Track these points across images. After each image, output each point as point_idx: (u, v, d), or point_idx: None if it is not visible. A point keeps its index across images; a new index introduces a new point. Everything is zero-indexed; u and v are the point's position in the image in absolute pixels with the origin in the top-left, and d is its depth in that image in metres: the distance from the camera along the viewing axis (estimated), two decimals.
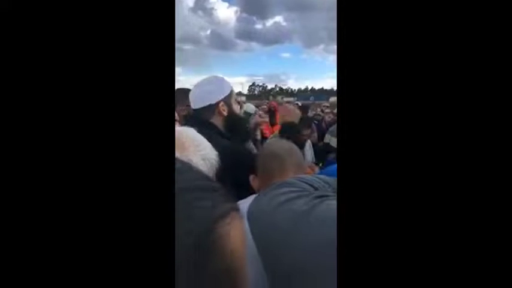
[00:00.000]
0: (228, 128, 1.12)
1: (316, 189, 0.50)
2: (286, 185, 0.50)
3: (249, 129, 1.45)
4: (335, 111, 4.59)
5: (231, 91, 1.16)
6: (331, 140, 3.37)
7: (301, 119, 3.43)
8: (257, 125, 1.79)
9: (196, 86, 1.18)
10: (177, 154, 0.60)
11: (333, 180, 0.57)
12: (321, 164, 1.70)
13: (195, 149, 0.62)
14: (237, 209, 0.24)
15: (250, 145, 1.34)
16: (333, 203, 0.42)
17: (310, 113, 4.72)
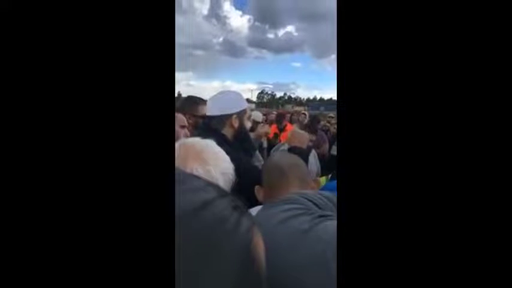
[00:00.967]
0: (236, 140, 1.19)
1: (318, 207, 0.50)
2: (289, 202, 0.50)
3: (255, 139, 1.52)
4: None
5: (246, 108, 1.26)
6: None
7: (308, 126, 3.42)
8: (264, 134, 1.84)
9: (215, 96, 1.28)
10: (198, 166, 0.61)
11: (336, 198, 0.57)
12: (330, 176, 1.68)
13: (215, 162, 0.64)
14: (255, 224, 0.25)
15: (257, 154, 1.38)
16: (330, 224, 0.42)
17: (320, 124, 4.70)
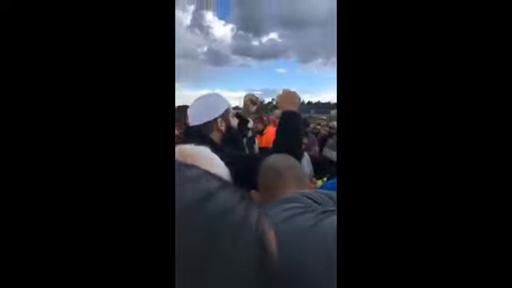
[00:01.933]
0: (226, 143, 1.16)
1: (319, 204, 0.50)
2: (291, 200, 0.50)
3: (246, 143, 1.50)
4: (331, 124, 4.61)
5: (228, 107, 1.21)
6: (330, 154, 3.38)
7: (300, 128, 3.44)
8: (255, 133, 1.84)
9: (194, 103, 1.22)
10: None
11: (335, 195, 0.57)
12: (325, 179, 1.70)
13: (210, 168, 0.63)
14: (264, 214, 0.24)
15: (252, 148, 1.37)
16: (335, 219, 0.42)
17: (310, 127, 4.75)
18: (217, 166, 0.66)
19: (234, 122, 1.24)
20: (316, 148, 3.36)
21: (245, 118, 1.51)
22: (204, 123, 1.15)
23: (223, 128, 1.16)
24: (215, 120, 1.15)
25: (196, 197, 0.21)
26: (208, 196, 0.21)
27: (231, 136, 1.18)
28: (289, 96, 1.24)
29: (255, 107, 1.59)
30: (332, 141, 3.50)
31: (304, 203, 0.49)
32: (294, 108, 1.20)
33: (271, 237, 0.23)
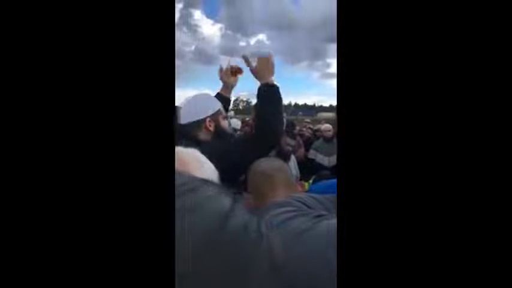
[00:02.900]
0: (215, 144, 1.12)
1: (310, 207, 0.51)
2: (283, 205, 0.51)
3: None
4: (316, 127, 4.67)
5: (219, 108, 1.19)
6: (317, 156, 3.43)
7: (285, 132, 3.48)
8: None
9: (184, 102, 1.20)
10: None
11: (323, 198, 0.59)
12: (311, 181, 1.71)
13: (200, 171, 0.63)
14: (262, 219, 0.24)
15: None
16: (329, 223, 0.44)
17: (296, 129, 4.80)
18: (207, 169, 0.66)
19: (224, 123, 1.22)
20: (302, 150, 3.40)
21: (226, 97, 1.41)
22: (193, 122, 1.13)
23: (211, 128, 1.14)
24: (204, 120, 1.13)
25: (191, 208, 0.21)
26: (202, 205, 0.21)
27: (220, 137, 1.16)
28: (265, 63, 1.12)
29: (235, 79, 1.43)
30: (318, 143, 3.56)
31: (296, 206, 0.50)
32: (271, 78, 1.12)
33: (274, 240, 0.23)
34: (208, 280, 0.19)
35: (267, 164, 0.87)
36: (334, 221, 0.43)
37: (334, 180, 1.20)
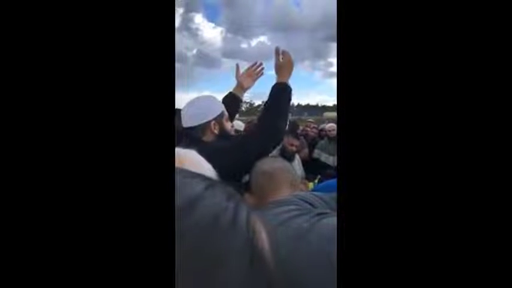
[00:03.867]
0: (218, 147, 1.10)
1: (313, 206, 0.51)
2: (286, 203, 0.51)
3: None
4: (320, 126, 4.67)
5: (223, 110, 1.18)
6: (321, 155, 3.42)
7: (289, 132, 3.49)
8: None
9: (188, 104, 1.19)
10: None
11: (328, 197, 0.58)
12: (316, 181, 1.71)
13: (199, 171, 0.63)
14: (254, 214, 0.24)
15: None
16: (331, 220, 0.43)
17: (300, 129, 4.81)
18: (205, 169, 0.66)
19: (228, 125, 1.21)
20: (306, 150, 3.39)
21: (239, 97, 1.40)
22: (197, 126, 1.12)
23: (216, 131, 1.13)
24: (208, 122, 1.12)
25: (184, 200, 0.20)
26: (196, 199, 0.21)
27: (224, 139, 1.15)
28: (290, 62, 1.14)
29: (254, 81, 1.41)
30: (322, 143, 3.55)
31: (300, 205, 0.50)
32: (287, 80, 1.13)
33: (263, 236, 0.23)
34: (198, 279, 0.19)
35: (271, 163, 0.86)
36: (335, 219, 0.42)
37: (335, 180, 1.19)
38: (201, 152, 0.64)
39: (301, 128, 4.88)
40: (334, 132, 3.48)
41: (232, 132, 1.24)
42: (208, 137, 1.13)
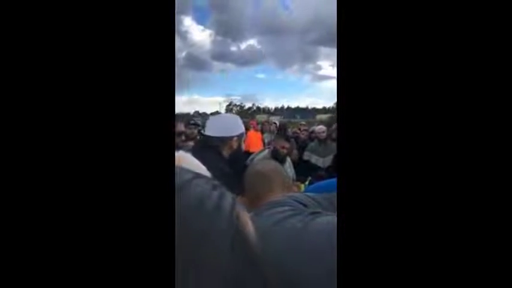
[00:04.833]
0: (231, 160, 1.32)
1: (306, 206, 0.52)
2: (279, 204, 0.52)
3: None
4: (311, 129, 4.72)
5: (243, 131, 1.41)
6: (311, 157, 3.45)
7: (279, 134, 3.51)
8: None
9: (215, 117, 1.48)
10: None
11: (320, 197, 0.60)
12: (307, 182, 1.73)
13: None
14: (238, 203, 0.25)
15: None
16: (325, 219, 0.44)
17: (289, 131, 4.84)
18: (200, 170, 0.67)
19: (243, 145, 1.45)
20: (296, 152, 3.41)
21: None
22: (220, 137, 1.30)
23: (235, 146, 1.33)
24: (231, 138, 1.31)
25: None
26: (183, 185, 0.22)
27: (237, 156, 1.36)
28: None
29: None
30: (312, 145, 3.59)
31: (293, 205, 0.51)
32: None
33: (246, 220, 0.24)
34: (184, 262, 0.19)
35: (263, 165, 0.88)
36: (328, 218, 0.44)
37: (328, 181, 1.22)
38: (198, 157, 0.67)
39: (290, 130, 4.91)
40: (324, 134, 3.52)
41: (243, 152, 1.46)
42: (226, 150, 1.31)
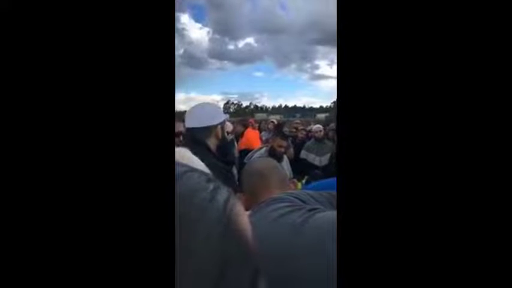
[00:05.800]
0: (218, 150, 1.27)
1: (304, 202, 0.53)
2: (278, 200, 0.52)
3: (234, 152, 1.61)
4: (308, 128, 4.74)
5: (225, 118, 1.34)
6: (308, 156, 3.46)
7: (276, 133, 3.53)
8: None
9: (194, 108, 1.33)
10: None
11: (318, 195, 0.61)
12: (304, 181, 1.74)
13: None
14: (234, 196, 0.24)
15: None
16: (324, 215, 0.45)
17: (287, 130, 4.86)
18: (198, 166, 0.67)
19: (226, 133, 1.35)
20: (291, 150, 3.43)
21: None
22: (202, 128, 1.23)
23: (219, 135, 1.26)
24: (215, 126, 1.25)
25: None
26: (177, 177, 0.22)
27: (223, 144, 1.29)
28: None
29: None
30: (309, 144, 3.60)
31: (292, 202, 0.52)
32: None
33: (242, 217, 0.23)
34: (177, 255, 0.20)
35: (261, 163, 0.88)
36: (328, 213, 0.45)
37: (327, 180, 1.23)
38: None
39: (286, 129, 4.93)
40: (321, 134, 3.54)
41: (229, 139, 1.39)
42: (211, 140, 1.25)
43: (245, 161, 2.05)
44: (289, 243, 0.44)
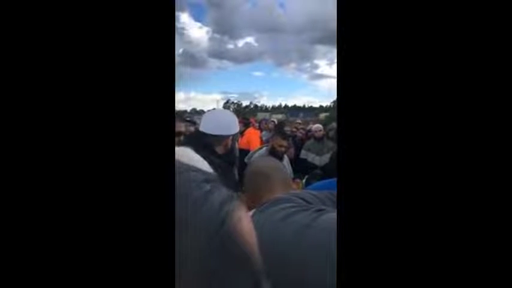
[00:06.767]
0: (226, 160, 1.28)
1: (309, 203, 0.53)
2: (284, 200, 0.52)
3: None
4: (307, 127, 4.74)
5: (238, 131, 1.38)
6: (308, 156, 3.46)
7: (276, 132, 3.53)
8: None
9: (213, 113, 1.39)
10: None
11: (322, 195, 0.61)
12: (304, 180, 1.74)
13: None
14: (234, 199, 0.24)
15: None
16: (330, 216, 0.45)
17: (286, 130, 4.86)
18: (202, 165, 0.67)
19: (236, 145, 1.39)
20: (292, 150, 3.43)
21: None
22: (215, 135, 1.26)
23: (229, 146, 1.29)
24: (227, 137, 1.28)
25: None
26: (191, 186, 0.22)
27: (231, 155, 1.32)
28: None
29: None
30: (309, 143, 3.60)
31: (297, 202, 0.52)
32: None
33: (242, 218, 0.23)
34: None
35: (264, 163, 0.88)
36: (334, 215, 0.45)
37: (328, 181, 1.23)
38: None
39: (287, 128, 4.93)
40: (321, 133, 3.54)
41: (237, 152, 1.40)
42: (220, 148, 1.27)
43: (245, 160, 2.05)
44: (295, 244, 0.44)
